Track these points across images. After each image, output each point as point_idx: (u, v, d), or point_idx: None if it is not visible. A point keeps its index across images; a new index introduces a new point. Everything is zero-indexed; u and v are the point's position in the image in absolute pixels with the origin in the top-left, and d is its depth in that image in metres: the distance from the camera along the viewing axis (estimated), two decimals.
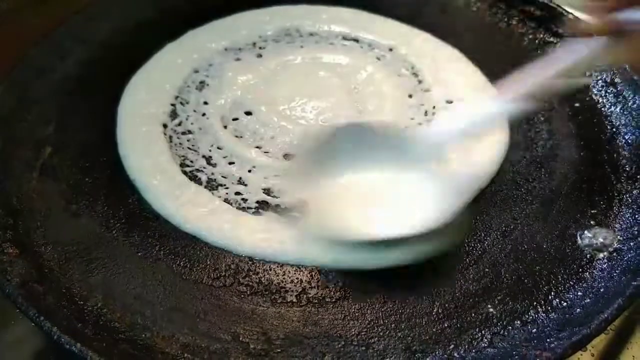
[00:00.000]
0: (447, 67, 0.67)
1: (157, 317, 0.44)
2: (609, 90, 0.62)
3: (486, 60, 0.67)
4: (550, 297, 0.46)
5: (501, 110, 0.48)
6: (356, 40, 0.71)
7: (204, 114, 0.62)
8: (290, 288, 0.47)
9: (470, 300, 0.46)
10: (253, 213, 0.52)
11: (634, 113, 0.59)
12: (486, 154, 0.56)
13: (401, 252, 0.46)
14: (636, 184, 0.54)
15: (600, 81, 0.63)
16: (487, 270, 0.48)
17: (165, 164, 0.56)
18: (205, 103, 0.63)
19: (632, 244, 0.48)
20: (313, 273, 0.48)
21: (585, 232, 0.50)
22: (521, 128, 0.60)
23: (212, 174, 0.55)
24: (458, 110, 0.59)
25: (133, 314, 0.44)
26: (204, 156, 0.57)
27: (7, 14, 0.79)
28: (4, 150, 0.55)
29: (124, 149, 0.57)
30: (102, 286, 0.46)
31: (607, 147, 0.58)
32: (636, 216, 0.51)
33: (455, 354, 0.42)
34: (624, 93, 0.60)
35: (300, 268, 0.48)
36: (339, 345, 0.43)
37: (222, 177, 0.55)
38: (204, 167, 0.56)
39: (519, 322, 0.44)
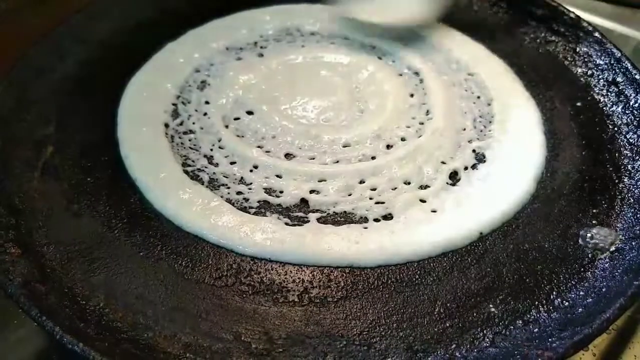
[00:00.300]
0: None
1: (159, 317, 0.44)
2: (610, 90, 0.62)
3: None
4: (552, 297, 0.46)
5: None
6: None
7: (205, 114, 0.62)
8: (292, 288, 0.47)
9: (472, 299, 0.46)
10: (254, 213, 0.52)
11: (635, 112, 0.59)
12: None
13: None
14: (638, 183, 0.53)
15: (602, 80, 0.63)
16: (488, 269, 0.48)
17: (166, 163, 0.56)
18: (207, 102, 0.63)
19: (634, 243, 0.48)
20: (315, 273, 0.48)
21: (587, 231, 0.50)
22: None
23: (214, 173, 0.55)
24: None
25: (135, 314, 0.44)
26: (205, 156, 0.57)
27: (6, 14, 0.79)
28: (4, 150, 0.55)
29: (125, 149, 0.57)
30: (104, 286, 0.46)
31: (608, 146, 0.58)
32: (638, 215, 0.51)
33: (457, 354, 0.42)
34: (625, 92, 0.60)
35: (302, 268, 0.48)
36: (341, 345, 0.43)
37: (224, 176, 0.55)
38: (206, 167, 0.56)
39: (520, 321, 0.44)
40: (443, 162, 0.57)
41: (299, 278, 0.47)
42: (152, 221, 0.51)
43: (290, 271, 0.48)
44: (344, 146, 0.58)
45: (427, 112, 0.62)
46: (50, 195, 0.52)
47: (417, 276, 0.47)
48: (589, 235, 0.50)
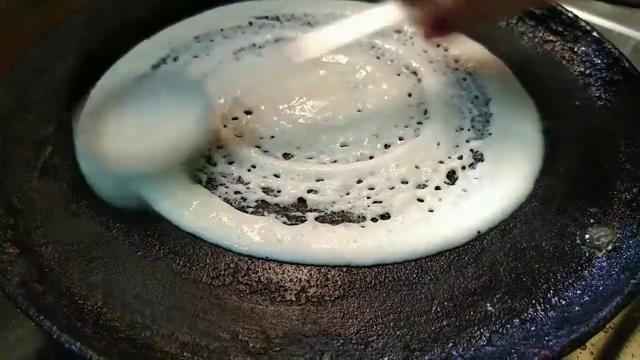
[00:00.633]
0: None
1: (156, 316, 0.44)
2: (608, 88, 0.62)
3: None
4: (549, 296, 0.46)
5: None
6: None
7: None
8: (289, 287, 0.47)
9: (469, 298, 0.46)
10: (252, 212, 0.52)
11: (633, 110, 0.58)
12: None
13: None
14: (636, 182, 0.53)
15: (599, 80, 0.63)
16: (485, 268, 0.48)
17: None
18: None
19: (631, 242, 0.48)
20: (312, 272, 0.48)
21: (585, 230, 0.50)
22: None
23: (212, 173, 0.55)
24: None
25: (133, 313, 0.44)
26: (203, 155, 0.57)
27: (6, 13, 0.80)
28: (4, 150, 0.55)
29: None
30: (102, 285, 0.46)
31: (606, 144, 0.57)
32: (635, 214, 0.51)
33: (454, 352, 0.42)
34: (623, 90, 0.60)
35: (299, 267, 0.48)
36: (338, 344, 0.43)
37: (222, 176, 0.55)
38: (204, 167, 0.56)
39: (517, 320, 0.44)
40: (441, 162, 0.57)
41: (296, 277, 0.47)
42: (150, 221, 0.51)
43: (288, 270, 0.48)
44: (342, 146, 0.58)
45: (425, 112, 0.62)
46: (49, 195, 0.53)
47: (414, 275, 0.48)
48: (586, 234, 0.50)
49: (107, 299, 0.45)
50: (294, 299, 0.46)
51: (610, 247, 0.49)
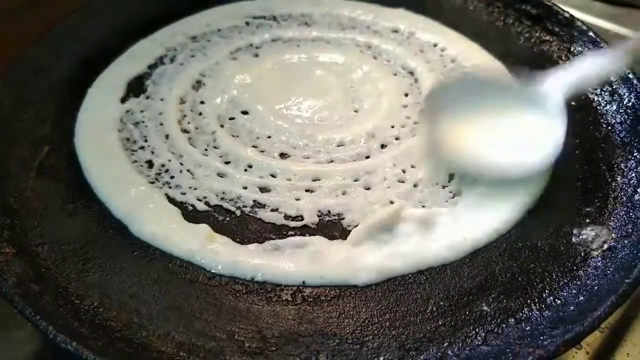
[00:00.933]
0: None
1: (152, 316, 0.44)
2: (604, 89, 0.62)
3: None
4: (544, 295, 0.46)
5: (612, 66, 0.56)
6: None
7: (200, 114, 0.62)
8: (285, 287, 0.47)
9: (465, 298, 0.46)
10: (248, 212, 0.52)
11: (629, 111, 0.59)
12: None
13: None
14: (631, 182, 0.54)
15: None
16: (481, 268, 0.48)
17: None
18: (202, 102, 0.63)
19: (626, 241, 0.48)
20: None
21: (580, 230, 0.51)
22: None
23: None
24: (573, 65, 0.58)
25: (129, 313, 0.44)
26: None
27: (4, 13, 0.79)
28: (0, 150, 0.55)
29: None
30: (98, 285, 0.46)
31: (602, 145, 0.58)
32: (630, 214, 0.51)
33: (449, 352, 0.42)
34: (619, 91, 0.60)
35: None
36: (334, 343, 0.43)
37: (219, 176, 0.55)
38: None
39: (512, 320, 0.44)
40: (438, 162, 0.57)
41: None
42: None
43: None
44: (339, 145, 0.58)
45: (422, 112, 0.62)
46: (45, 195, 0.53)
47: (410, 274, 0.48)
48: (581, 233, 0.50)
49: (104, 298, 0.45)
50: (290, 298, 0.46)
51: (605, 247, 0.49)
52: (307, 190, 0.54)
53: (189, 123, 0.61)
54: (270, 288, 0.47)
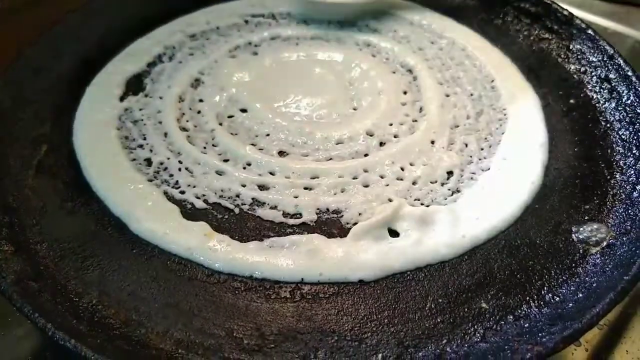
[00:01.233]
0: None
1: (151, 314, 0.44)
2: (603, 87, 0.62)
3: None
4: (543, 292, 0.46)
5: None
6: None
7: (199, 112, 0.62)
8: (284, 284, 0.47)
9: (463, 295, 0.46)
10: (247, 210, 0.52)
11: (627, 109, 0.59)
12: None
13: None
14: (630, 179, 0.54)
15: (594, 77, 0.63)
16: (480, 265, 0.48)
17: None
18: (201, 100, 0.63)
19: (625, 239, 0.48)
20: None
21: (579, 227, 0.51)
22: None
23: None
24: None
25: (128, 311, 0.44)
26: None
27: (4, 13, 0.79)
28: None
29: None
30: (97, 283, 0.46)
31: (601, 142, 0.58)
32: (629, 211, 0.51)
33: (448, 349, 0.42)
34: (618, 89, 0.60)
35: None
36: (332, 340, 0.43)
37: (217, 174, 0.55)
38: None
39: (511, 316, 0.44)
40: (436, 160, 0.57)
41: None
42: None
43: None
44: (337, 143, 0.58)
45: (421, 109, 0.62)
46: (44, 193, 0.53)
47: (408, 272, 0.48)
48: (580, 231, 0.50)
49: (102, 296, 0.45)
50: (288, 296, 0.46)
51: (604, 244, 0.49)
52: (305, 188, 0.54)
53: (187, 121, 0.61)
54: (268, 285, 0.47)
